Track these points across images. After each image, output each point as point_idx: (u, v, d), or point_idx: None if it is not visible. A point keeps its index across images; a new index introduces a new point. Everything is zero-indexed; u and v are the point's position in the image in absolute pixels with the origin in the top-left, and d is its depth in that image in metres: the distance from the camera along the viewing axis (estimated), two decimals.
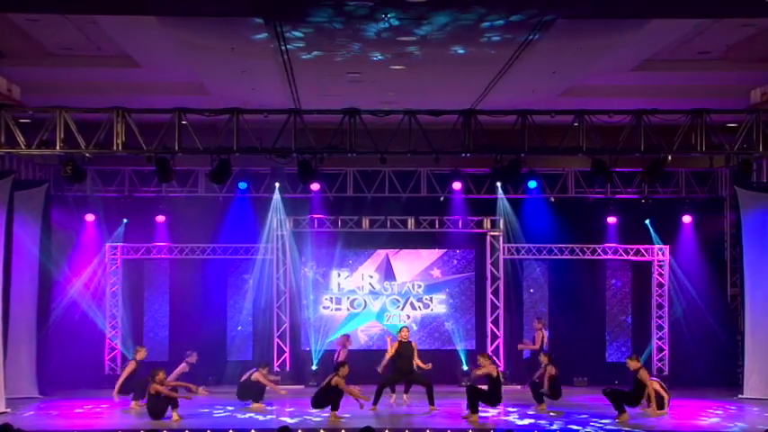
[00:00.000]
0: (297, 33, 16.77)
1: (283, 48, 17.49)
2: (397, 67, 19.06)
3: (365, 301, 26.06)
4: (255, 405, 20.89)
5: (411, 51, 17.87)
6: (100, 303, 25.32)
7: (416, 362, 21.04)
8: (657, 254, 25.86)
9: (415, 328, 25.43)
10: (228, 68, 19.28)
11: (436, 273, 26.19)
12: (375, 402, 20.46)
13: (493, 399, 19.64)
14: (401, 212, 25.46)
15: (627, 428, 18.43)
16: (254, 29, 16.41)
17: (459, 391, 24.25)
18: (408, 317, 25.96)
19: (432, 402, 20.53)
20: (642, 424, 18.85)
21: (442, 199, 25.48)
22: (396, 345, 21.04)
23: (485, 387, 19.74)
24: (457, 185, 25.25)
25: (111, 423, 18.93)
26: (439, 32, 16.44)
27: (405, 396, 21.92)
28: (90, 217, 25.39)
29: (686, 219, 25.90)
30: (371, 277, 26.10)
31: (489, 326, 25.77)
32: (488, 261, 25.87)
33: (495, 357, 25.45)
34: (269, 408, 21.00)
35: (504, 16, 15.29)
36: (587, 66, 19.40)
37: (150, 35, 17.18)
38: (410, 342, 21.14)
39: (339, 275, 26.12)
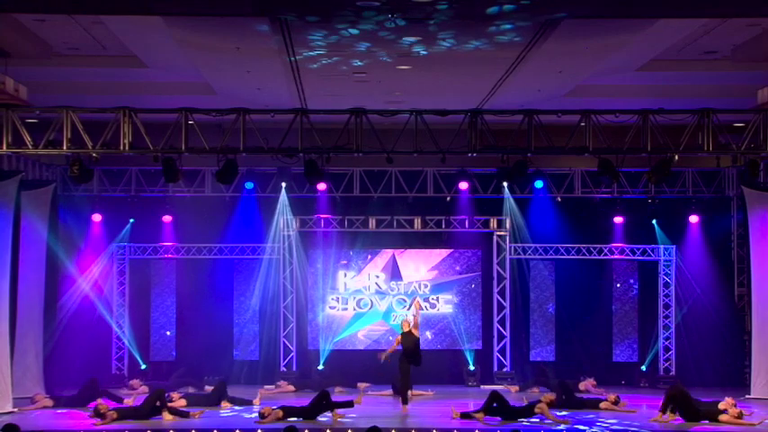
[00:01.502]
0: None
1: (289, 46, 17.49)
2: (404, 67, 19.05)
3: (371, 301, 26.05)
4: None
5: (418, 51, 17.86)
6: (107, 303, 25.35)
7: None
8: (664, 254, 25.82)
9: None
10: (234, 68, 19.29)
11: (442, 272, 26.21)
12: (405, 402, 20.46)
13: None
14: (407, 212, 25.49)
15: (634, 428, 18.37)
16: (260, 27, 16.41)
17: (465, 392, 24.34)
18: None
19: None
20: (650, 426, 18.80)
21: (448, 199, 25.48)
22: (398, 338, 20.88)
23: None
24: (463, 185, 25.26)
25: (117, 423, 18.89)
26: (448, 30, 16.41)
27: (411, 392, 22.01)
28: (97, 217, 25.42)
29: (693, 219, 25.87)
30: (378, 277, 26.09)
31: (496, 326, 25.76)
32: (495, 261, 25.86)
33: (501, 356, 25.54)
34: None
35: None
36: (593, 65, 19.37)
37: (156, 35, 17.19)
38: (410, 331, 20.96)
39: (345, 275, 26.11)
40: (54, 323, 23.40)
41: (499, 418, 19.12)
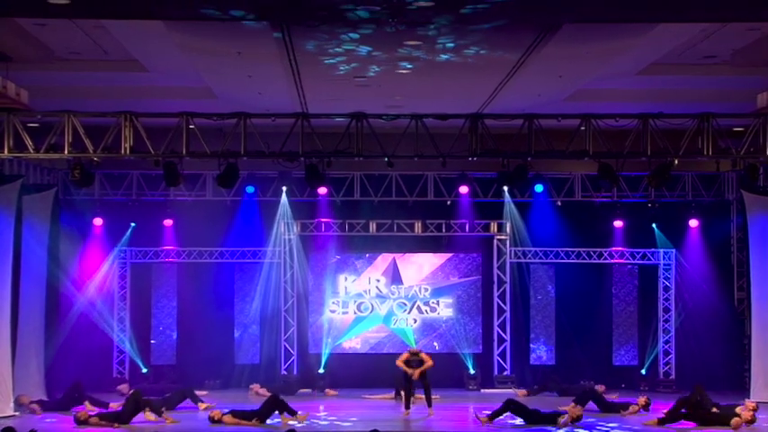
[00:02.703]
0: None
1: (290, 51, 17.48)
2: (404, 71, 19.02)
3: (372, 305, 26.01)
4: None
5: (418, 56, 17.84)
6: (108, 307, 25.31)
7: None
8: (664, 258, 25.80)
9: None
10: (235, 72, 19.26)
11: (443, 276, 26.18)
12: (407, 407, 20.39)
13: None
14: (408, 216, 25.47)
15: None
16: (261, 32, 16.39)
17: (465, 395, 24.34)
18: (415, 320, 25.90)
19: (430, 405, 20.42)
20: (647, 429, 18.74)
21: (448, 203, 25.45)
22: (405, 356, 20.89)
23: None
24: (464, 189, 25.23)
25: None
26: (448, 35, 16.38)
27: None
28: (98, 221, 25.36)
29: (693, 222, 25.86)
30: (378, 281, 26.06)
31: (496, 329, 25.73)
32: (495, 265, 25.83)
33: (501, 360, 25.51)
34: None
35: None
36: (594, 70, 19.34)
37: (157, 39, 17.16)
38: (418, 353, 20.99)
39: (346, 279, 26.08)
40: (55, 327, 23.42)
41: (521, 421, 19.11)
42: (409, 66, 18.59)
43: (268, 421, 19.29)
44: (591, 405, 21.05)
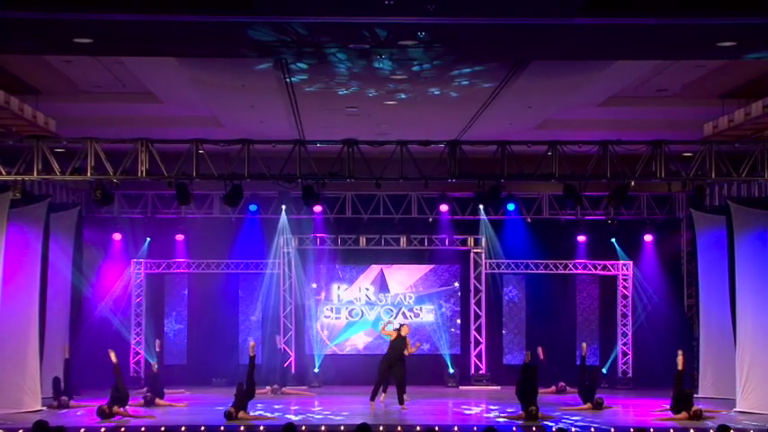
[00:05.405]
0: (302, 65, 16.71)
1: (288, 82, 17.51)
2: (391, 102, 19.08)
3: (362, 311, 26.02)
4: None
5: (403, 89, 17.89)
6: (125, 313, 25.28)
7: (408, 350, 20.69)
8: (622, 269, 25.86)
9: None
10: (240, 103, 19.30)
11: (425, 285, 26.19)
12: (372, 398, 20.28)
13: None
14: (394, 232, 25.48)
15: (596, 424, 18.28)
16: (262, 67, 16.43)
17: (445, 392, 24.31)
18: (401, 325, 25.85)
19: (401, 402, 20.18)
20: (613, 422, 18.71)
21: (430, 220, 25.48)
22: (394, 334, 20.78)
23: None
24: (444, 208, 25.28)
25: (133, 420, 18.78)
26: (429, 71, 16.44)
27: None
28: (117, 236, 25.37)
29: (648, 237, 25.92)
30: (368, 289, 26.07)
31: (473, 333, 25.73)
32: (472, 275, 25.85)
33: (477, 360, 25.51)
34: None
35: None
36: (559, 101, 19.43)
37: (170, 74, 17.21)
38: (405, 338, 20.92)
39: (339, 288, 26.09)
40: (79, 331, 23.33)
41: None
42: (396, 98, 18.70)
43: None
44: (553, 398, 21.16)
